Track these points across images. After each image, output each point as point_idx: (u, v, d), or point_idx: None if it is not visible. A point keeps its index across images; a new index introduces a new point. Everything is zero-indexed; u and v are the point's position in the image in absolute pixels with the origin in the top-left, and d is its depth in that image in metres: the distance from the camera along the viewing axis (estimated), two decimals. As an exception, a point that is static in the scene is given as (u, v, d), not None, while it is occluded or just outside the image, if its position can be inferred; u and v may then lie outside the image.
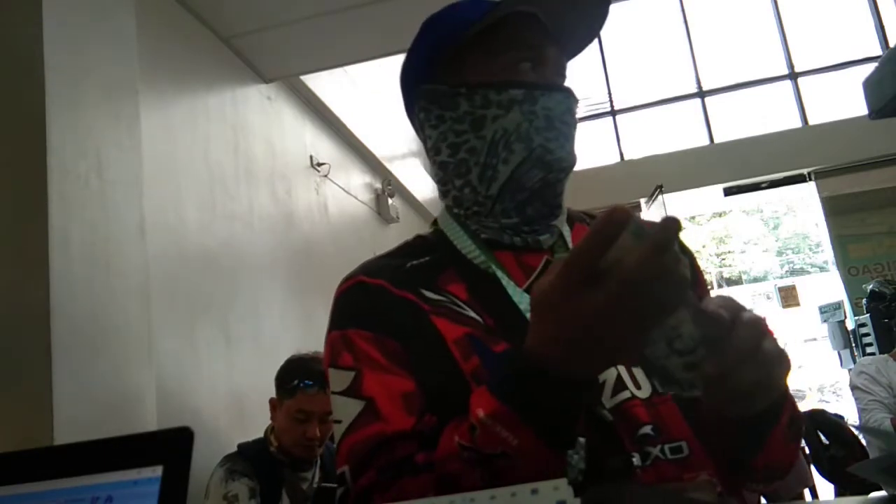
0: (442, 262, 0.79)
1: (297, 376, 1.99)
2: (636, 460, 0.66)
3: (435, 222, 0.87)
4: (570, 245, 0.81)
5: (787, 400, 0.68)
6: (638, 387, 0.71)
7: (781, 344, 0.59)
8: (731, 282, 19.12)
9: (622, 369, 0.72)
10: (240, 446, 2.07)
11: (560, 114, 0.77)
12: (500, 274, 0.75)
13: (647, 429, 0.68)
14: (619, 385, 0.71)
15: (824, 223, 6.49)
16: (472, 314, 0.73)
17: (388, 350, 0.73)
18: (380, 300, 0.76)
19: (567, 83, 0.82)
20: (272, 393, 2.08)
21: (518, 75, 0.78)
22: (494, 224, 0.80)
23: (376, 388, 0.71)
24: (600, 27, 0.85)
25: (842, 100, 6.32)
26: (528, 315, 0.71)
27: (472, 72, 0.80)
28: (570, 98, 0.79)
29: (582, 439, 0.58)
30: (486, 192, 0.79)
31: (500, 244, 0.79)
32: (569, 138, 0.78)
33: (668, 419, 0.69)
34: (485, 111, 0.78)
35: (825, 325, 6.55)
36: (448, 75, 0.82)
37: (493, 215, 0.80)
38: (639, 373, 0.72)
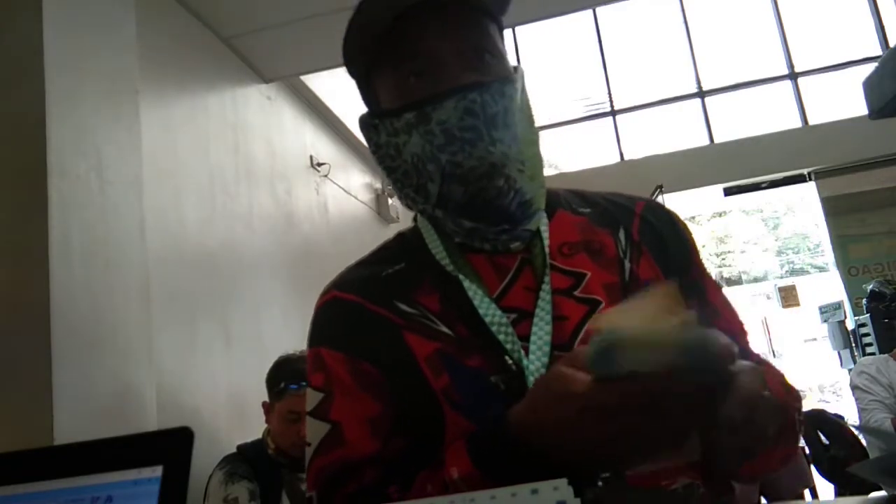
0: (417, 269, 0.77)
1: (283, 378, 2.00)
2: None
3: (416, 219, 0.84)
4: (547, 244, 0.75)
5: (788, 421, 0.68)
6: None
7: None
8: (731, 282, 19.08)
9: None
10: (239, 448, 2.07)
11: (458, 121, 0.69)
12: (466, 284, 0.72)
13: None
14: None
15: (824, 223, 6.47)
16: (444, 328, 0.71)
17: (360, 372, 0.72)
18: (354, 319, 0.75)
19: (491, 58, 0.74)
20: (272, 393, 2.08)
21: (409, 94, 0.72)
22: (460, 229, 0.75)
23: (343, 411, 0.71)
24: None
25: (842, 100, 6.31)
26: (493, 328, 0.69)
27: (382, 93, 0.77)
28: (469, 94, 0.69)
29: None
30: (431, 209, 0.76)
31: (472, 247, 0.76)
32: (478, 140, 0.69)
33: None
34: (395, 139, 0.74)
35: (825, 325, 6.53)
36: (368, 97, 0.80)
37: (452, 223, 0.76)
38: None
